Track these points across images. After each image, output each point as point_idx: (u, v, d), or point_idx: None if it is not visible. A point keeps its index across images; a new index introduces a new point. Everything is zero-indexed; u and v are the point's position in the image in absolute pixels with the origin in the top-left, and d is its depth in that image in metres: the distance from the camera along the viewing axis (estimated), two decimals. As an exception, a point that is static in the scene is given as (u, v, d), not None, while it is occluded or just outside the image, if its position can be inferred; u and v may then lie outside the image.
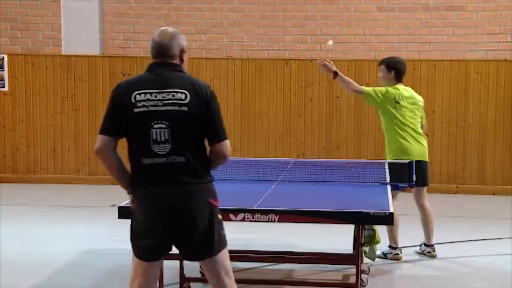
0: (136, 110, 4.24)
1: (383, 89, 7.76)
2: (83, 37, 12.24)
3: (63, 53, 12.29)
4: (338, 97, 11.76)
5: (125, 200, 5.40)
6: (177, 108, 4.25)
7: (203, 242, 4.32)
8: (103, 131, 4.33)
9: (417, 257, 7.83)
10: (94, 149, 4.34)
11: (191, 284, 6.23)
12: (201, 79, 4.72)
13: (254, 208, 5.21)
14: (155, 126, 4.22)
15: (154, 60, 4.49)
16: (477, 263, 7.63)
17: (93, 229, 8.77)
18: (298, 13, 11.91)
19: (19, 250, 7.94)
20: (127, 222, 5.02)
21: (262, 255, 6.74)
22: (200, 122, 4.30)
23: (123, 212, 5.20)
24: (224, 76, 11.85)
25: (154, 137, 4.22)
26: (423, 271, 7.37)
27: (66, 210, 10.26)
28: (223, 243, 4.40)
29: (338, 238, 7.94)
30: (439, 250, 8.02)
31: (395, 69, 7.87)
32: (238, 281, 6.91)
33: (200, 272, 6.47)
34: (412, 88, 11.74)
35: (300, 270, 7.00)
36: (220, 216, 4.43)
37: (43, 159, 12.42)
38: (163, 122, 4.23)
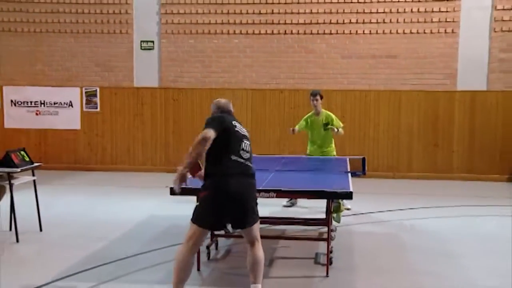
0: (235, 129, 4.47)
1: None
2: (148, 75, 12.27)
3: (134, 86, 12.30)
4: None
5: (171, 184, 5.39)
6: (248, 136, 4.62)
7: (248, 217, 4.43)
8: (213, 127, 4.27)
9: (367, 220, 7.80)
10: (204, 135, 4.18)
11: (218, 238, 6.22)
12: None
13: (260, 188, 5.18)
14: (244, 140, 4.50)
15: (224, 111, 4.68)
16: (408, 223, 7.62)
17: (153, 201, 8.79)
18: (289, 59, 11.91)
19: (107, 215, 8.03)
20: (176, 197, 5.03)
21: (265, 219, 6.72)
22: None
23: (173, 191, 5.16)
24: (240, 101, 11.85)
25: (243, 147, 4.46)
26: (372, 229, 7.36)
27: (136, 189, 10.31)
28: (257, 218, 4.54)
29: (316, 208, 7.94)
30: (384, 216, 8.01)
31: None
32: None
33: (225, 231, 6.47)
34: (364, 110, 11.92)
35: (290, 229, 7.02)
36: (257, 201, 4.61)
37: (121, 155, 12.44)
38: (247, 140, 4.55)
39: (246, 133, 4.60)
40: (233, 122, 4.51)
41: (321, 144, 8.39)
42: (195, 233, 4.32)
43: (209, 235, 6.01)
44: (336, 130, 8.27)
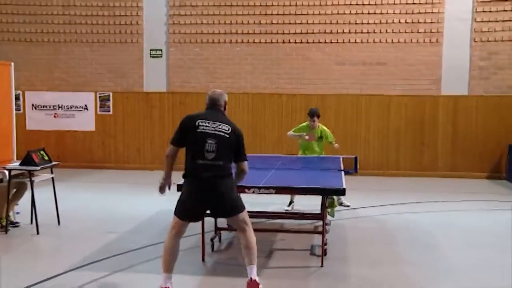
0: (198, 130, 4.36)
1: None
2: (156, 81, 12.27)
3: (144, 90, 12.29)
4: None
5: (179, 181, 5.37)
6: (223, 134, 4.39)
7: (227, 209, 4.47)
8: (172, 143, 4.52)
9: (359, 214, 7.79)
10: (166, 153, 4.54)
11: (221, 232, 6.22)
12: (228, 108, 4.77)
13: (260, 185, 5.20)
14: (208, 141, 4.33)
15: (209, 106, 4.59)
16: (397, 217, 7.63)
17: (161, 197, 8.73)
18: (287, 66, 11.91)
19: (119, 210, 8.03)
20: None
21: (265, 214, 6.73)
22: (233, 146, 4.44)
23: (179, 188, 5.15)
24: (242, 104, 11.85)
25: (207, 148, 4.33)
26: (364, 223, 7.36)
27: (145, 186, 10.29)
28: (240, 208, 4.50)
29: (311, 203, 7.93)
30: (374, 210, 8.00)
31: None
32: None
33: (227, 224, 6.48)
34: (356, 113, 11.89)
35: (288, 223, 7.02)
36: (237, 193, 4.54)
37: (132, 155, 12.45)
38: (213, 139, 4.34)
39: (216, 130, 4.37)
40: (198, 122, 4.38)
41: (316, 153, 8.09)
42: (177, 223, 4.47)
43: (213, 228, 6.04)
44: (337, 146, 8.06)
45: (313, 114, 7.97)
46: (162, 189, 4.66)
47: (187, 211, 4.44)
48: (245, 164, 4.57)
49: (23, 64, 12.11)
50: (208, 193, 4.34)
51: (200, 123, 4.39)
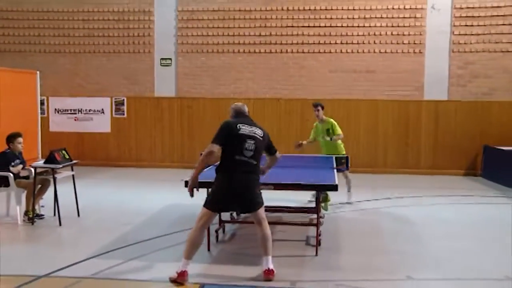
0: (239, 132, 4.49)
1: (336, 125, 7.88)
2: (166, 87, 12.26)
3: (155, 96, 12.28)
4: (307, 120, 11.62)
5: (186, 178, 5.36)
6: (257, 136, 4.57)
7: (252, 204, 4.57)
8: (216, 142, 4.43)
9: (350, 208, 7.78)
10: (209, 150, 4.38)
11: (225, 224, 6.22)
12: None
13: (260, 182, 5.15)
14: (248, 141, 4.49)
15: (237, 115, 4.73)
16: (385, 210, 7.63)
17: (171, 192, 8.77)
18: (284, 73, 11.91)
19: (132, 204, 8.01)
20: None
21: (264, 208, 6.70)
22: (265, 146, 4.69)
23: (186, 184, 5.10)
24: (243, 108, 11.82)
25: (246, 146, 4.46)
26: (354, 216, 7.35)
27: (156, 182, 10.31)
28: (260, 204, 4.63)
29: (307, 198, 7.92)
30: (364, 204, 8.00)
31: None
32: (250, 222, 6.91)
33: (231, 217, 6.47)
34: (347, 116, 11.88)
35: (286, 216, 7.00)
36: (260, 190, 4.67)
37: (144, 154, 12.42)
38: (252, 140, 4.51)
39: (253, 133, 4.55)
40: (238, 126, 4.53)
41: (326, 150, 7.87)
42: (205, 215, 4.49)
43: (217, 221, 6.03)
44: (330, 139, 7.78)
45: (316, 105, 7.96)
46: (192, 193, 4.47)
47: (218, 203, 4.48)
48: (278, 153, 4.96)
49: (48, 72, 12.13)
50: (239, 186, 4.43)
51: (241, 126, 4.55)
